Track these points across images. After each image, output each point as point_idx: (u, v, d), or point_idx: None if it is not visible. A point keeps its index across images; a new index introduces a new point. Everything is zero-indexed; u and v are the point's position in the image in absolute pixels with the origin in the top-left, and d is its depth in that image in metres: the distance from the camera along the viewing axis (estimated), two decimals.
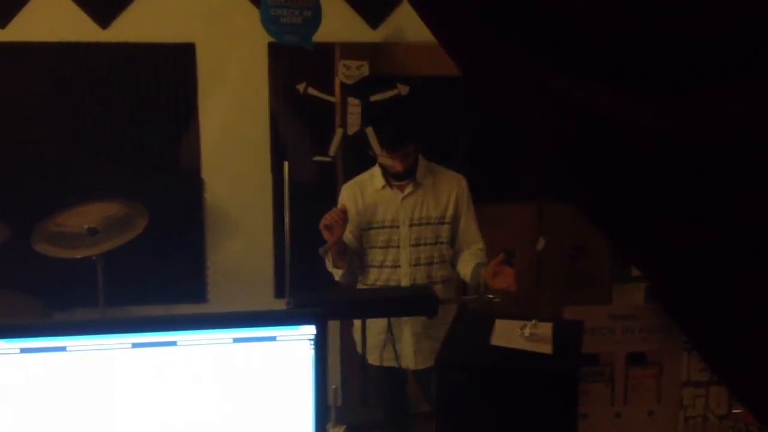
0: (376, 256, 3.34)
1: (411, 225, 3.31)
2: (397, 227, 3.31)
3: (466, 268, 3.28)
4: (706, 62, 1.19)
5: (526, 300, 4.09)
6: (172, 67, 4.31)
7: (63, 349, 1.48)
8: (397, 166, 3.24)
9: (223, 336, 1.54)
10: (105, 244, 3.75)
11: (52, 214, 3.88)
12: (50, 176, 4.25)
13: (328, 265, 3.34)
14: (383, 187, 3.33)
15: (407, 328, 3.32)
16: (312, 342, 1.56)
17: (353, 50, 4.24)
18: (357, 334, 3.19)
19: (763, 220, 1.34)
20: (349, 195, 3.38)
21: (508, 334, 1.57)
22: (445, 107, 4.34)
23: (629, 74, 1.23)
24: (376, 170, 3.37)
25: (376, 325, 3.16)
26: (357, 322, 3.06)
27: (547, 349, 1.51)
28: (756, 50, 1.15)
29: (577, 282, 4.51)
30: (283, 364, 1.57)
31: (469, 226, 3.38)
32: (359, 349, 3.02)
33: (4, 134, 4.16)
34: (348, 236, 3.27)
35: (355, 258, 3.34)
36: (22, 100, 4.16)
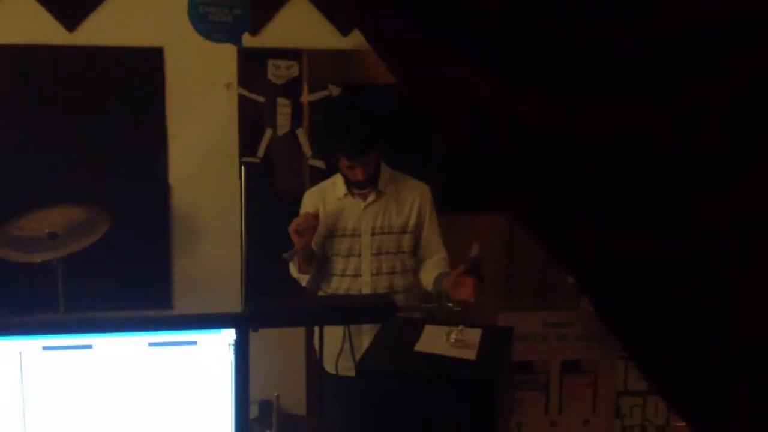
0: (337, 264, 3.29)
1: (373, 234, 3.27)
2: (359, 236, 3.27)
3: (428, 277, 3.24)
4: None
5: (493, 309, 4.06)
6: (140, 71, 4.26)
7: None
8: (357, 174, 3.19)
9: (141, 339, 1.50)
10: (65, 248, 3.68)
11: (13, 218, 3.82)
12: (12, 180, 4.19)
13: (293, 270, 3.29)
14: (345, 195, 3.29)
15: (367, 338, 3.27)
16: (232, 347, 1.52)
17: (322, 56, 4.22)
18: (317, 343, 3.14)
19: (689, 226, 1.31)
20: (311, 202, 3.33)
21: (434, 340, 1.53)
22: (417, 115, 4.30)
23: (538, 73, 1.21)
24: (338, 178, 3.33)
25: (335, 334, 3.11)
26: (317, 331, 3.02)
27: (470, 355, 1.47)
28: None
29: (547, 291, 4.48)
30: (204, 369, 1.53)
31: (432, 236, 3.34)
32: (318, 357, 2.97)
33: None
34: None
35: (319, 265, 3.29)
36: None
